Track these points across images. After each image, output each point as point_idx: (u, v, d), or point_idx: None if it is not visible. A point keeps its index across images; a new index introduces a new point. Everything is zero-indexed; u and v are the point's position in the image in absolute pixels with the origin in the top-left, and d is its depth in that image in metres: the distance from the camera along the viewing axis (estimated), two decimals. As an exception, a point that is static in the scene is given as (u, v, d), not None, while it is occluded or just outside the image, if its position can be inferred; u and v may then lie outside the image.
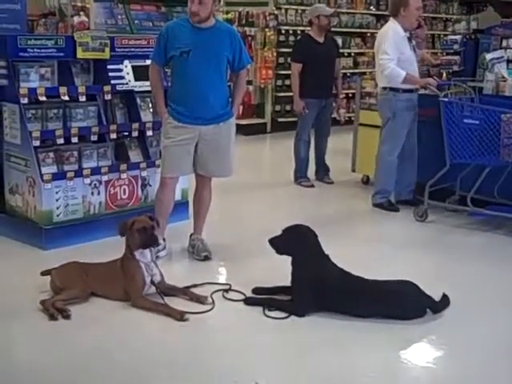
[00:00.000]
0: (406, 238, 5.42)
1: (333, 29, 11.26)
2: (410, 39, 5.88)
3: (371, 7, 11.89)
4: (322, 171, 7.16)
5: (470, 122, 5.40)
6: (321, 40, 6.87)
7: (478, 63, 6.72)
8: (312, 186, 6.94)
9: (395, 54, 5.67)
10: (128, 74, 5.26)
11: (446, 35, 10.53)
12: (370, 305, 3.76)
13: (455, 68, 6.93)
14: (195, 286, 4.10)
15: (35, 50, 4.76)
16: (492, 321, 3.88)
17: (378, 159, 6.03)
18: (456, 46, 7.05)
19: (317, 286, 3.78)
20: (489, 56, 6.30)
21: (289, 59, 10.44)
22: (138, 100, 5.31)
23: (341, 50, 11.28)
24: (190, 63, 4.34)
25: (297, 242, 3.88)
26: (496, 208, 5.49)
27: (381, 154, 5.98)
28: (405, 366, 3.39)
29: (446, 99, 5.52)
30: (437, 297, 3.90)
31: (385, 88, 5.92)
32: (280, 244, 3.93)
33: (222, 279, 4.39)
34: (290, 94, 10.37)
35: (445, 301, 3.93)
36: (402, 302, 3.78)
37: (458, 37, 7.27)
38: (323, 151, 7.16)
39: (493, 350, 3.54)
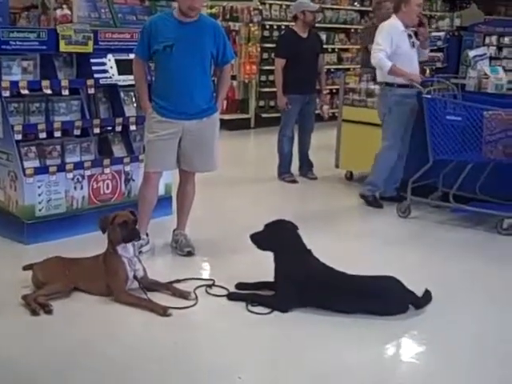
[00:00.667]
0: (389, 234, 5.44)
1: (317, 24, 11.31)
2: (410, 36, 5.87)
3: (355, 3, 11.94)
4: (306, 167, 7.17)
5: (453, 119, 5.43)
6: (304, 35, 6.85)
7: (461, 60, 6.79)
8: (295, 181, 6.95)
9: (388, 46, 5.64)
10: (111, 67, 5.23)
11: (429, 32, 10.58)
12: (353, 300, 3.77)
13: (438, 65, 6.99)
14: (178, 281, 4.09)
15: (17, 42, 4.71)
16: (474, 316, 3.91)
17: (378, 154, 5.98)
18: (439, 43, 7.11)
19: (300, 281, 3.79)
20: (472, 53, 6.35)
21: (273, 54, 10.49)
22: (122, 94, 5.28)
23: (325, 46, 11.37)
24: (173, 57, 4.32)
25: (278, 238, 3.88)
26: (478, 205, 5.53)
27: (381, 149, 5.95)
28: (388, 361, 3.42)
29: (429, 96, 5.54)
30: (419, 292, 3.93)
31: (381, 83, 5.91)
32: (262, 239, 3.93)
33: (206, 274, 4.39)
34: (274, 89, 10.32)
35: (427, 296, 3.95)
36: (384, 298, 3.80)
37: (441, 33, 7.33)
38: (307, 147, 7.17)
39: (474, 345, 3.58)
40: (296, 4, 7.10)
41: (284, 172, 7.03)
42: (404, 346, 3.61)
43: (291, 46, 6.78)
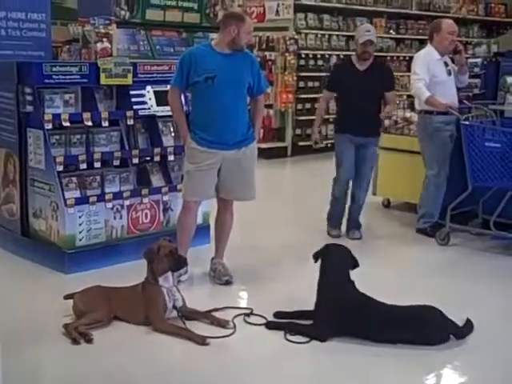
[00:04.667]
0: (428, 262, 5.38)
1: (351, 53, 11.32)
2: (446, 64, 5.84)
3: (391, 31, 11.95)
4: (353, 227, 5.99)
5: (492, 146, 5.37)
6: (362, 68, 5.68)
7: (499, 86, 6.73)
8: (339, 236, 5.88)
9: (425, 75, 5.62)
10: (150, 99, 5.32)
11: (466, 58, 10.54)
12: (393, 330, 3.73)
13: (476, 91, 6.94)
14: (216, 310, 4.09)
15: (60, 76, 4.83)
16: (517, 346, 3.83)
17: (425, 183, 5.89)
18: (477, 69, 7.07)
19: (339, 310, 3.77)
20: (510, 79, 6.30)
21: (309, 83, 10.59)
22: (160, 125, 5.36)
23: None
24: (214, 89, 4.38)
25: (325, 262, 3.89)
26: (519, 232, 5.44)
27: (428, 178, 5.86)
28: (428, 393, 3.36)
29: (467, 122, 5.50)
30: (460, 322, 3.86)
31: (420, 111, 5.88)
32: (316, 258, 3.94)
33: (244, 303, 4.39)
34: (311, 117, 10.47)
35: (468, 326, 3.88)
36: (424, 328, 3.75)
37: (478, 60, 7.29)
38: (360, 201, 5.92)
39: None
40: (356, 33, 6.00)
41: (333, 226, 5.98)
42: (445, 377, 3.55)
43: (343, 79, 5.72)
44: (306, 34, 10.50)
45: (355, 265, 3.97)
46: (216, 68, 4.38)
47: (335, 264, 3.91)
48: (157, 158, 5.31)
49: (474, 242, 5.75)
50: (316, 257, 3.96)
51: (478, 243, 5.73)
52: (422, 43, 10.07)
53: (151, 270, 3.95)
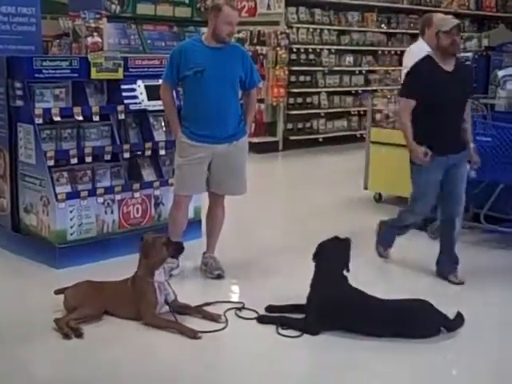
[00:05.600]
0: (420, 255, 5.38)
1: (343, 47, 11.39)
2: None
3: (382, 25, 11.95)
4: (449, 264, 4.76)
5: (483, 139, 5.38)
6: (448, 67, 4.53)
7: (490, 80, 6.73)
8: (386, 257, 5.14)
9: None
10: (141, 93, 5.31)
11: (457, 52, 10.53)
12: (384, 324, 3.74)
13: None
14: (208, 304, 4.10)
15: (50, 71, 4.82)
16: (507, 340, 3.84)
17: None
18: (467, 63, 7.06)
19: (331, 304, 3.78)
20: (501, 73, 6.31)
21: (300, 77, 10.59)
22: (151, 119, 5.35)
23: (352, 68, 11.39)
24: (204, 83, 4.38)
25: (319, 258, 3.90)
26: (510, 225, 5.45)
27: None
28: (419, 385, 3.38)
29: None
30: (451, 315, 3.88)
31: None
32: (315, 253, 3.97)
33: (235, 297, 4.39)
34: (302, 112, 10.50)
35: (459, 319, 3.90)
36: (416, 321, 3.77)
37: (469, 54, 7.29)
38: (451, 239, 4.75)
39: (507, 369, 3.51)
40: (435, 22, 5.14)
41: (384, 242, 5.13)
42: (436, 370, 3.56)
43: (427, 82, 4.47)
44: (298, 29, 10.49)
45: (347, 265, 3.96)
46: (205, 62, 4.38)
47: (329, 260, 3.92)
48: (148, 153, 5.30)
49: (465, 236, 5.75)
50: (314, 257, 3.96)
51: (469, 236, 5.74)
52: (414, 37, 10.08)
53: (146, 265, 3.94)
